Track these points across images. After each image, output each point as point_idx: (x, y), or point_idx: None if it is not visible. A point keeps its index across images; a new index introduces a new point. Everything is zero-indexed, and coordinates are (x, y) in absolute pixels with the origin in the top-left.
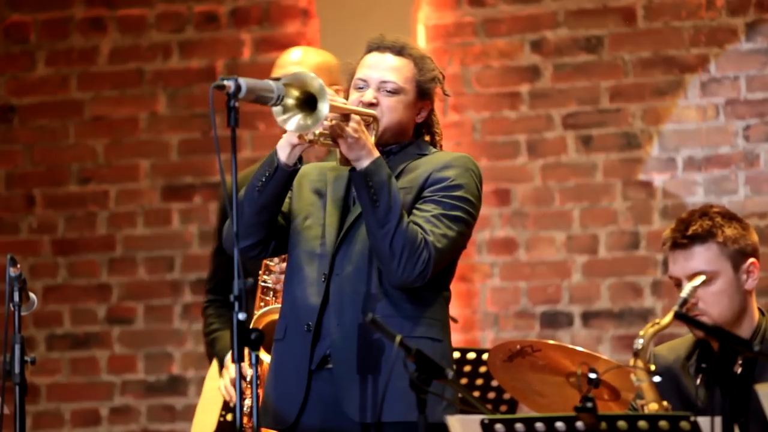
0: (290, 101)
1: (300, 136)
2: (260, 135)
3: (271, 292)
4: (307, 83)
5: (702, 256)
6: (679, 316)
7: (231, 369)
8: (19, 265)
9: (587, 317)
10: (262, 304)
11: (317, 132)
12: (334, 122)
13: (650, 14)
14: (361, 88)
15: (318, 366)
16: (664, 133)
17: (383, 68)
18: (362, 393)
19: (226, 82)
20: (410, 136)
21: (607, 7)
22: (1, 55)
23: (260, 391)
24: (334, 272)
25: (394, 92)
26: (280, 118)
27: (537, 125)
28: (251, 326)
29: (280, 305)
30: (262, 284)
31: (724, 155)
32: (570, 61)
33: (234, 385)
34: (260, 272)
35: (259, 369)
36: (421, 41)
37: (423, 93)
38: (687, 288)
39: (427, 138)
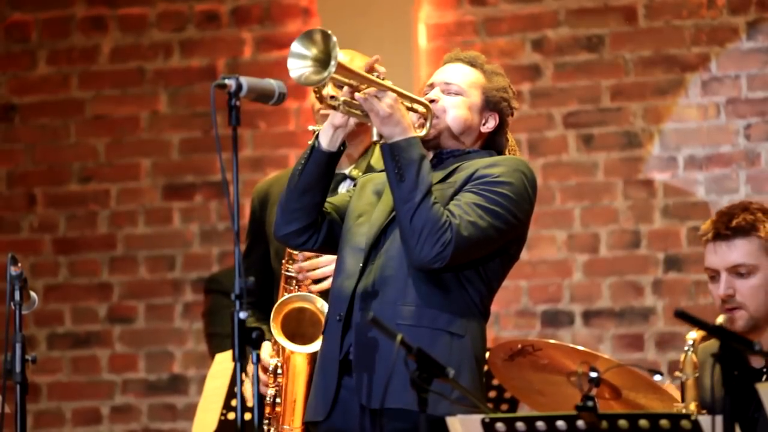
0: (309, 55)
1: (340, 114)
2: (261, 134)
3: (294, 281)
4: (323, 43)
5: (743, 249)
6: (679, 315)
7: (264, 353)
8: (20, 264)
9: (588, 316)
10: (285, 294)
11: (341, 99)
12: (365, 95)
13: (651, 13)
14: (428, 92)
15: (345, 356)
16: (665, 132)
17: (450, 73)
18: (371, 379)
19: (227, 81)
20: (475, 143)
21: (608, 6)
22: (2, 54)
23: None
24: (368, 263)
25: (457, 93)
26: (292, 68)
27: (538, 124)
28: (272, 315)
29: (300, 293)
30: (286, 273)
31: (725, 154)
32: (571, 60)
33: (266, 372)
34: (283, 261)
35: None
36: (422, 40)
37: (489, 102)
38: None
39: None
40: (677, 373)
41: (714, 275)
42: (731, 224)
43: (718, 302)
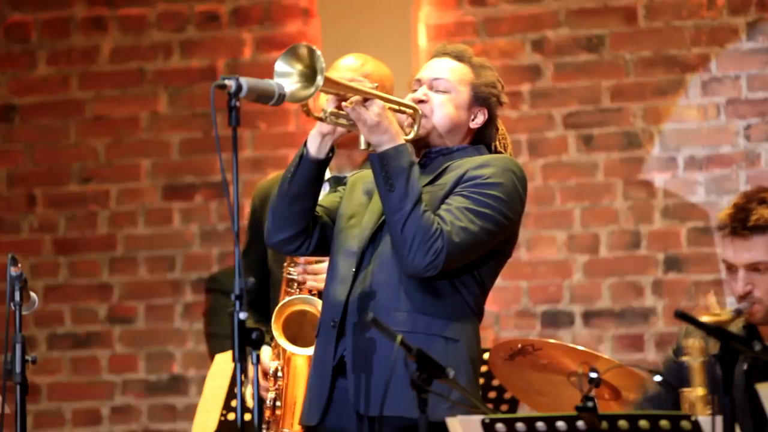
0: (294, 71)
1: (328, 123)
2: (261, 134)
3: (296, 284)
4: (308, 57)
5: (761, 247)
6: (679, 316)
7: (264, 357)
8: (20, 265)
9: (588, 317)
10: (287, 296)
11: (328, 110)
12: (352, 105)
13: (651, 13)
14: (416, 89)
15: (339, 362)
16: (665, 133)
17: (437, 69)
18: (368, 386)
19: (227, 82)
20: (464, 140)
21: (608, 7)
22: (2, 54)
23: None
24: (361, 268)
25: (445, 91)
26: (283, 85)
27: (538, 124)
28: (273, 317)
29: (302, 296)
30: (288, 276)
31: (725, 155)
32: (571, 61)
33: (266, 376)
34: (285, 264)
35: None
36: (422, 40)
37: (478, 98)
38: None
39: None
40: (684, 357)
41: (731, 267)
42: (749, 223)
43: (736, 295)
